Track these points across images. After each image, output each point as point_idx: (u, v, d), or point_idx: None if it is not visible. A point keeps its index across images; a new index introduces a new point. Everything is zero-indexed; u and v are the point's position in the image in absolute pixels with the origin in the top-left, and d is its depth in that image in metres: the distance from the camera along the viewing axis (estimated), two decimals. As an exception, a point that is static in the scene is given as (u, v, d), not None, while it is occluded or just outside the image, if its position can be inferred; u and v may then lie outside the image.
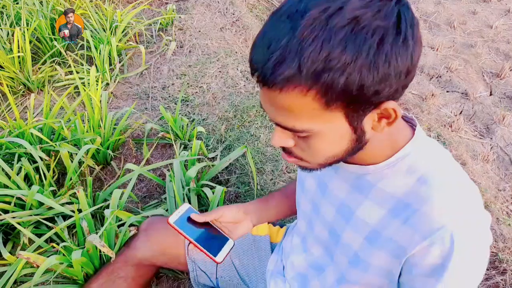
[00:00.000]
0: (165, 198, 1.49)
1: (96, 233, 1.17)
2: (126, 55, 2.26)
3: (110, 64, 2.17)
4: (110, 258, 1.16)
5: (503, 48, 2.51)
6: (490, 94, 2.23)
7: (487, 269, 1.38)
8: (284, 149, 0.65)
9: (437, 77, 2.31)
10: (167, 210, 1.36)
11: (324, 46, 0.47)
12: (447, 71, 2.34)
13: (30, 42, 2.10)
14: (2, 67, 1.99)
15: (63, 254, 1.17)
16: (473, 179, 1.65)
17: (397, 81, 0.51)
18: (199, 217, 0.91)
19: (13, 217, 1.30)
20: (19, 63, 2.02)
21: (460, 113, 2.08)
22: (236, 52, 2.26)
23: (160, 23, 2.48)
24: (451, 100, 2.15)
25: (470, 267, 0.62)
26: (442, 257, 0.60)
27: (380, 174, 0.66)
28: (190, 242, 0.87)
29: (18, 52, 1.99)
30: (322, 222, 0.81)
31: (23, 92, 2.04)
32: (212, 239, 0.90)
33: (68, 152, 1.44)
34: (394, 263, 0.67)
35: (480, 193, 0.65)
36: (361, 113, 0.54)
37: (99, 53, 2.08)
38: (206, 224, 0.92)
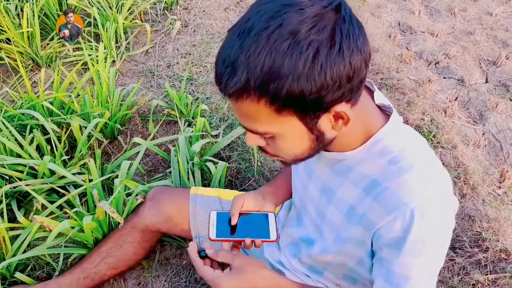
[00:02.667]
0: (170, 172, 1.57)
1: (106, 201, 1.25)
2: (131, 33, 2.31)
3: (116, 42, 2.22)
4: (119, 224, 1.24)
5: (501, 36, 2.56)
6: (486, 82, 2.29)
7: (471, 247, 1.48)
8: (260, 148, 0.72)
9: (435, 63, 2.37)
10: (172, 182, 1.45)
11: (267, 60, 0.54)
12: (445, 58, 2.39)
13: (39, 17, 2.14)
14: (12, 42, 2.04)
15: (75, 220, 1.26)
16: (462, 162, 1.73)
17: (339, 87, 0.57)
18: (233, 220, 0.91)
19: (27, 185, 1.38)
20: (28, 38, 2.07)
21: (455, 99, 2.14)
22: (239, 33, 2.31)
23: (165, 2, 2.52)
24: (447, 86, 2.21)
25: (429, 244, 0.68)
26: (402, 230, 0.67)
27: (357, 158, 0.73)
28: (241, 242, 0.88)
29: (27, 27, 2.03)
30: (311, 202, 0.89)
31: (32, 67, 2.10)
32: (254, 224, 0.91)
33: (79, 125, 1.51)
34: (365, 235, 0.75)
35: (450, 180, 0.71)
36: (313, 116, 0.61)
37: (106, 31, 2.13)
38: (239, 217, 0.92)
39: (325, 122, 0.63)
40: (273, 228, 0.90)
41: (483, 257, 1.43)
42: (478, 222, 1.53)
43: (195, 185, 1.43)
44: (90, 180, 1.37)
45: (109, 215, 1.29)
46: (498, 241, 1.45)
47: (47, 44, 2.17)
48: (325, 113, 0.61)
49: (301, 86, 0.55)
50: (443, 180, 0.70)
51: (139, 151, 1.46)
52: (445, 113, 2.02)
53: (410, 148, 0.70)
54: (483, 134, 1.99)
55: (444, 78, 2.27)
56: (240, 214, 0.92)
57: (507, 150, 1.90)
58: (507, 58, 2.38)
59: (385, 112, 0.74)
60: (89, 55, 2.00)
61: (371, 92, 0.74)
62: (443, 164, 1.75)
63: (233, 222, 0.89)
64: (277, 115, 0.59)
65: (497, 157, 1.88)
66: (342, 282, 0.94)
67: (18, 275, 1.25)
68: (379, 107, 0.74)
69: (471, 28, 2.63)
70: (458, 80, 2.26)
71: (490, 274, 1.36)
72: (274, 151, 0.70)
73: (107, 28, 2.13)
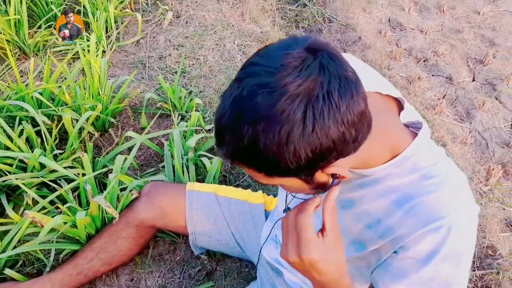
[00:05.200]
0: (163, 167, 1.56)
1: (100, 195, 1.23)
2: (122, 23, 2.26)
3: (106, 32, 2.18)
4: (112, 219, 1.23)
5: (488, 35, 2.60)
6: (473, 80, 2.33)
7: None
8: None
9: (424, 61, 2.40)
10: (166, 177, 1.43)
11: (246, 137, 0.54)
12: (433, 55, 2.42)
13: (26, 4, 2.08)
14: (-3, 29, 1.98)
15: (68, 215, 1.24)
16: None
17: (322, 159, 0.57)
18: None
19: (16, 178, 1.35)
20: (15, 25, 2.01)
21: (443, 97, 2.18)
22: (233, 26, 2.29)
23: (156, -9, 2.47)
24: (436, 84, 2.24)
25: (461, 255, 0.69)
26: (434, 244, 0.67)
27: (385, 173, 0.72)
28: None
29: (14, 14, 1.97)
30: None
31: (19, 55, 2.05)
32: None
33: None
34: (387, 248, 0.74)
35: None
36: (306, 175, 0.61)
37: (96, 20, 2.08)
38: None
39: (321, 176, 0.64)
40: None
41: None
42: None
43: (190, 181, 1.43)
44: (83, 175, 1.35)
45: (102, 210, 1.27)
46: (485, 238, 1.49)
47: (35, 32, 2.11)
48: (319, 170, 0.61)
49: (281, 163, 0.55)
50: (468, 189, 0.71)
51: (131, 145, 1.45)
52: (434, 110, 2.05)
53: (440, 162, 0.71)
54: (469, 132, 2.03)
55: (432, 75, 2.31)
56: None
57: (492, 148, 1.95)
58: (494, 57, 2.42)
59: (410, 128, 0.75)
60: (80, 44, 1.95)
61: (400, 107, 0.77)
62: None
63: None
64: (271, 177, 0.60)
65: (483, 155, 1.93)
66: None
67: (8, 271, 1.23)
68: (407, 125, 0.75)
69: (459, 26, 2.67)
70: (446, 78, 2.30)
71: (478, 270, 1.40)
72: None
73: (97, 18, 2.09)
